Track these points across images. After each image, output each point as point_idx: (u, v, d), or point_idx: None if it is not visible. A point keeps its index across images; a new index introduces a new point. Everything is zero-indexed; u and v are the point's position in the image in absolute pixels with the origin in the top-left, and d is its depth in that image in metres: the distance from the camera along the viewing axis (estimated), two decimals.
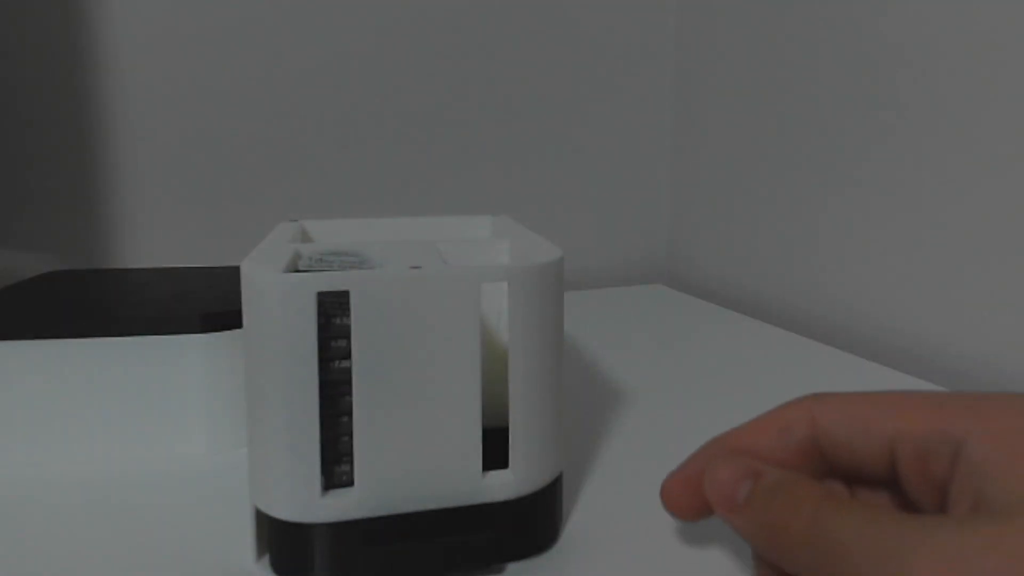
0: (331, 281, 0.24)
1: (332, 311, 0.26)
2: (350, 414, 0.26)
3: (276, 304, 0.24)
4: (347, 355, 0.26)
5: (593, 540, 0.29)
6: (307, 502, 0.25)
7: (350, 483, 0.26)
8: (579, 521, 0.30)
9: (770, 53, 0.63)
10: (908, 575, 0.16)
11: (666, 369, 0.49)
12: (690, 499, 0.24)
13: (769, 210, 0.64)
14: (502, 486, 0.27)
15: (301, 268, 0.27)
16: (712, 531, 0.30)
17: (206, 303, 0.37)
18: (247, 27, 0.63)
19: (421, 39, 0.67)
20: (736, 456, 0.23)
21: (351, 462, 0.26)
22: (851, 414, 0.22)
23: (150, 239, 0.63)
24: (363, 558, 0.25)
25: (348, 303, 0.26)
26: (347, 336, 0.26)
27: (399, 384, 0.25)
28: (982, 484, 0.18)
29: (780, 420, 0.23)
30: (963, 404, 0.20)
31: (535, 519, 0.28)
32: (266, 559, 0.27)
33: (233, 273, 0.44)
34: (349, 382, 0.26)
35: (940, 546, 0.16)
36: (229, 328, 0.36)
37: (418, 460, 0.26)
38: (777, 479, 0.21)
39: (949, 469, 0.20)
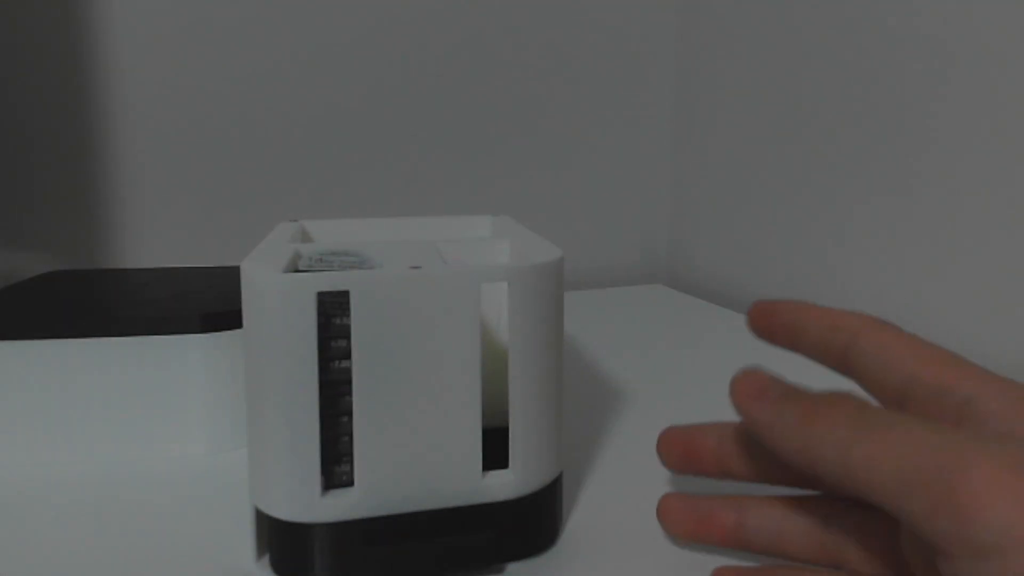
0: (331, 281, 0.24)
1: (332, 311, 0.26)
2: (350, 414, 0.26)
3: (276, 304, 0.24)
4: (347, 355, 0.26)
5: (593, 540, 0.29)
6: (307, 502, 0.25)
7: (350, 483, 0.26)
8: (579, 521, 0.30)
9: (770, 53, 0.63)
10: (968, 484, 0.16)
11: (666, 369, 0.49)
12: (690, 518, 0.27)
13: (769, 210, 0.64)
14: (502, 486, 0.27)
15: (301, 268, 0.27)
16: None
17: (206, 303, 0.37)
18: (247, 27, 0.63)
19: (421, 39, 0.67)
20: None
21: (351, 462, 0.26)
22: (884, 348, 0.24)
23: (150, 239, 0.63)
24: (363, 558, 0.25)
25: (348, 303, 0.26)
26: (347, 336, 0.26)
27: (399, 384, 0.25)
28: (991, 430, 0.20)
29: (837, 320, 0.25)
30: (972, 370, 0.22)
31: (535, 519, 0.28)
32: (266, 559, 0.27)
33: (233, 273, 0.44)
34: (349, 382, 0.26)
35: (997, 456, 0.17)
36: (229, 328, 0.36)
37: (418, 460, 0.26)
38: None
39: (956, 418, 0.21)
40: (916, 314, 0.51)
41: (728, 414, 0.41)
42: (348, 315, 0.26)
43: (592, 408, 0.42)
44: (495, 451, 0.27)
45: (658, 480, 0.34)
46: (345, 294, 0.25)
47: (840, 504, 0.25)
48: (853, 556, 0.24)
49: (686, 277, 0.76)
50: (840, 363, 0.25)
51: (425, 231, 0.36)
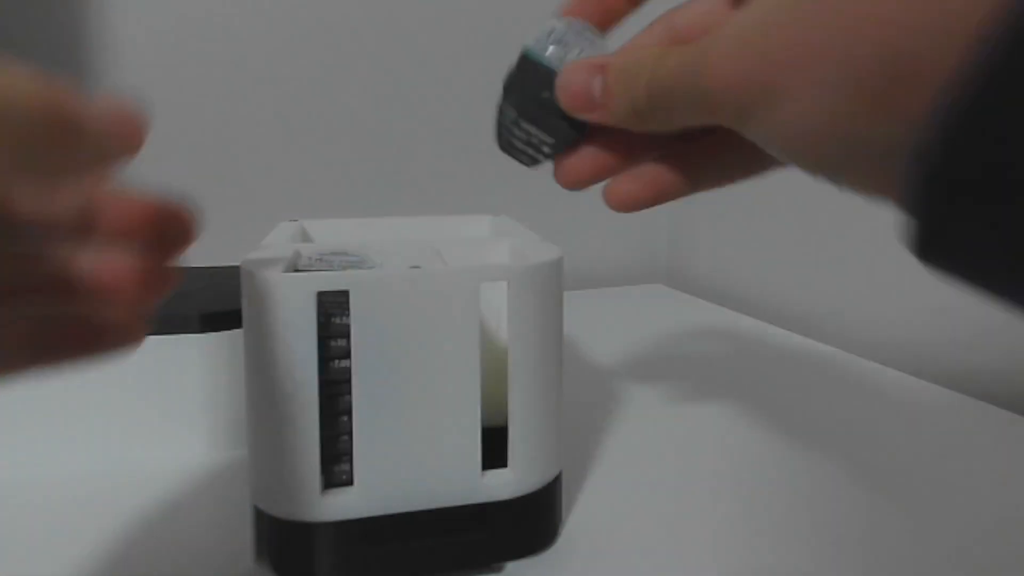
0: (331, 281, 0.24)
1: (332, 311, 0.26)
2: (350, 414, 0.26)
3: (276, 304, 0.24)
4: (347, 355, 0.26)
5: (592, 539, 0.29)
6: (307, 501, 0.25)
7: (350, 482, 0.26)
8: (578, 521, 0.30)
9: None
10: (706, 67, 0.20)
11: (666, 369, 0.49)
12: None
13: (769, 210, 0.64)
14: (501, 485, 0.27)
15: (301, 268, 0.27)
16: (710, 530, 0.30)
17: (206, 303, 0.37)
18: (247, 28, 0.63)
19: (421, 39, 0.67)
20: (582, 63, 0.26)
21: (351, 461, 0.26)
22: None
23: None
24: (363, 557, 0.25)
25: (348, 303, 0.26)
26: (347, 336, 0.26)
27: (399, 384, 0.25)
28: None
29: None
30: None
31: (534, 518, 0.28)
32: (266, 559, 0.27)
33: (233, 273, 0.44)
34: (349, 382, 0.26)
35: (725, 34, 0.19)
36: (228, 328, 0.36)
37: (417, 459, 0.26)
38: (620, 64, 0.24)
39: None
40: (916, 313, 0.51)
41: (727, 416, 0.41)
42: (348, 315, 0.26)
43: (592, 408, 0.42)
44: (494, 450, 0.27)
45: (657, 480, 0.34)
46: (345, 294, 0.25)
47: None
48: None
49: (686, 277, 0.76)
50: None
51: (425, 231, 0.36)
